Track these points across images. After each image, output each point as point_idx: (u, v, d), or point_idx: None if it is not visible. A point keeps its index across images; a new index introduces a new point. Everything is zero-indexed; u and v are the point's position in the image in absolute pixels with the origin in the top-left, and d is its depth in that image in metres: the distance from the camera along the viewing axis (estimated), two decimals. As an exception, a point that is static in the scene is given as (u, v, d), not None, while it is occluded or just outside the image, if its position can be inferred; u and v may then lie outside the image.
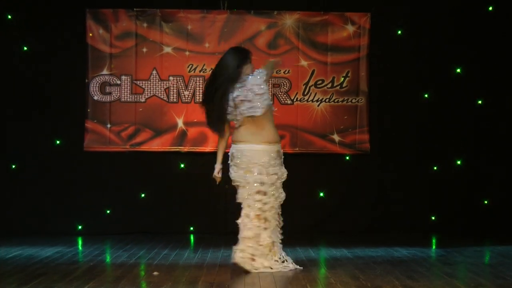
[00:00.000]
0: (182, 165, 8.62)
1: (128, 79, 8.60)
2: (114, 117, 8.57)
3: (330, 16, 8.65)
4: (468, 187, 8.73)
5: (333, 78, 8.65)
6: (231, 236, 8.00)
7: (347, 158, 8.70)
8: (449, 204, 8.71)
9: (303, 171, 8.64)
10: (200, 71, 8.61)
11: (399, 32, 8.68)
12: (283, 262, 6.07)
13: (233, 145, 6.13)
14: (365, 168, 8.71)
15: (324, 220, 8.72)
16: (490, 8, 8.67)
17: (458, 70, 8.69)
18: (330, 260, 6.64)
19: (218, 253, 7.08)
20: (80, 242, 7.82)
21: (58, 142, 8.51)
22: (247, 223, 5.99)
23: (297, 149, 8.59)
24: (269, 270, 5.95)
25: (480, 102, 8.72)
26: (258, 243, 5.97)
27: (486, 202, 8.70)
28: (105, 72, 8.57)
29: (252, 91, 5.98)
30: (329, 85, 8.64)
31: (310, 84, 8.64)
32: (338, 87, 8.66)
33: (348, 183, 8.72)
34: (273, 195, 6.05)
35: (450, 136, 8.74)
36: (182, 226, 8.65)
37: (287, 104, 8.62)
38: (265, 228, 5.99)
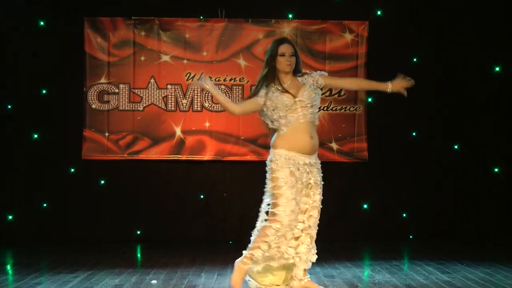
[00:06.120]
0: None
1: (126, 88, 8.60)
2: (112, 125, 8.57)
3: (328, 25, 8.67)
4: (467, 195, 8.73)
5: (331, 86, 8.65)
6: (229, 244, 8.02)
7: (345, 166, 8.69)
8: (448, 212, 8.71)
9: (301, 179, 8.64)
10: (198, 80, 8.60)
11: (397, 40, 8.70)
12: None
13: None
14: (363, 177, 8.71)
15: (323, 228, 8.67)
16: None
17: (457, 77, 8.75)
18: (328, 268, 6.63)
19: (216, 261, 7.06)
20: (77, 250, 7.79)
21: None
22: None
23: (295, 157, 8.57)
24: None
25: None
26: None
27: (486, 209, 8.72)
28: (103, 80, 8.57)
29: None
30: (327, 93, 8.64)
31: (308, 92, 8.63)
32: (336, 95, 8.66)
33: (346, 191, 8.71)
34: None
35: (449, 143, 8.74)
36: (180, 234, 8.63)
37: (285, 112, 8.61)
38: None
